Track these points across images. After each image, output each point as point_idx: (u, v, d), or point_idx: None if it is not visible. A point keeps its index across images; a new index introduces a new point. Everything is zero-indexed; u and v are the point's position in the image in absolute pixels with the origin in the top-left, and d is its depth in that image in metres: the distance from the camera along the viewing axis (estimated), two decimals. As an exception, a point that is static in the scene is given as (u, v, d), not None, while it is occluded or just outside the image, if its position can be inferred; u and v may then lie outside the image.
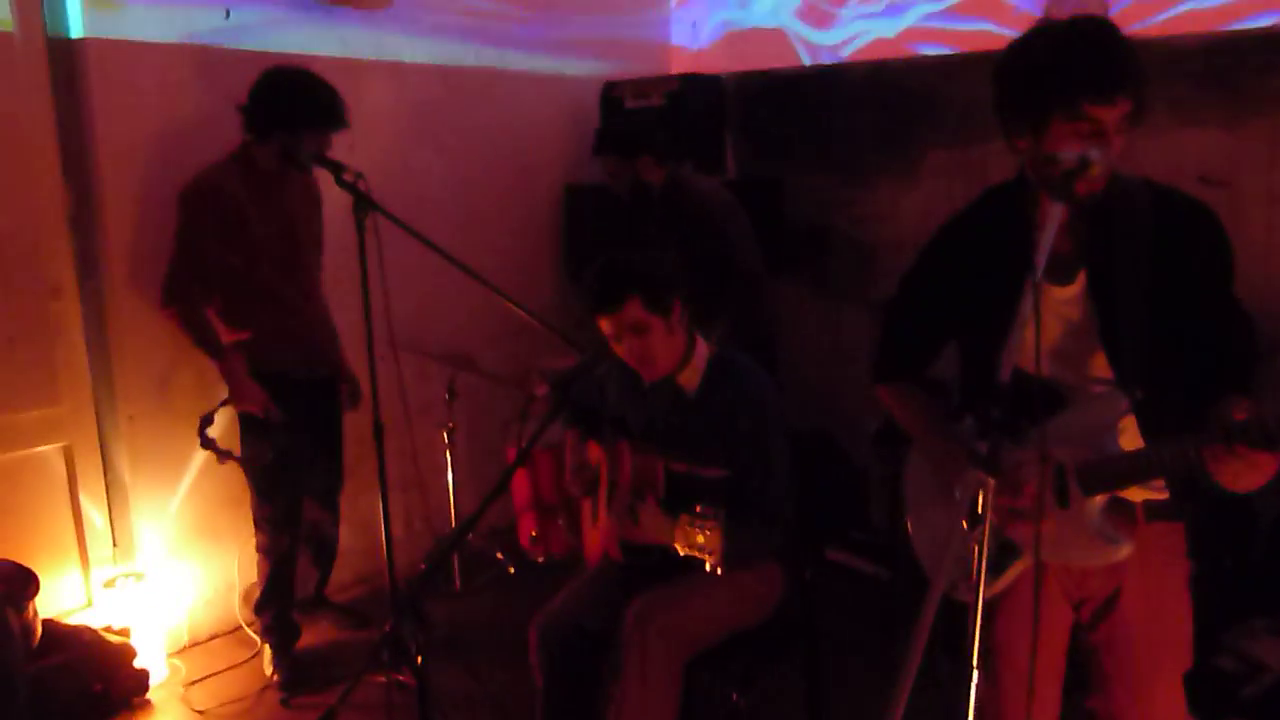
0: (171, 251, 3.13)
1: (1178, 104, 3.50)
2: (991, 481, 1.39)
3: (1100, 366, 1.77)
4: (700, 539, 1.99)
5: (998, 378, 1.43)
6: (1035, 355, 1.49)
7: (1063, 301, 1.79)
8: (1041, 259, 1.49)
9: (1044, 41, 1.67)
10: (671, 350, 2.41)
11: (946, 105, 4.17)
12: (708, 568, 1.99)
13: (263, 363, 3.21)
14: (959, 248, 1.92)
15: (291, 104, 3.08)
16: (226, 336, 3.20)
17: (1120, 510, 1.78)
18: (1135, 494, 1.77)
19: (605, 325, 2.37)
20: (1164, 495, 1.78)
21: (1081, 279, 1.77)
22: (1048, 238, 1.51)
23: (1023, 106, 1.68)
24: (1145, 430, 1.75)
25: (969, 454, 1.40)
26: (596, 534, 2.58)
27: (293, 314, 3.30)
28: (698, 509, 2.01)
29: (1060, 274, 1.78)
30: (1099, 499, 1.75)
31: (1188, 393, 1.70)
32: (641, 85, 4.50)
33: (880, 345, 2.08)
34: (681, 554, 2.03)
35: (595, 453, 2.61)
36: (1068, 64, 1.62)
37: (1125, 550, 1.75)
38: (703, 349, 2.47)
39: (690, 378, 2.45)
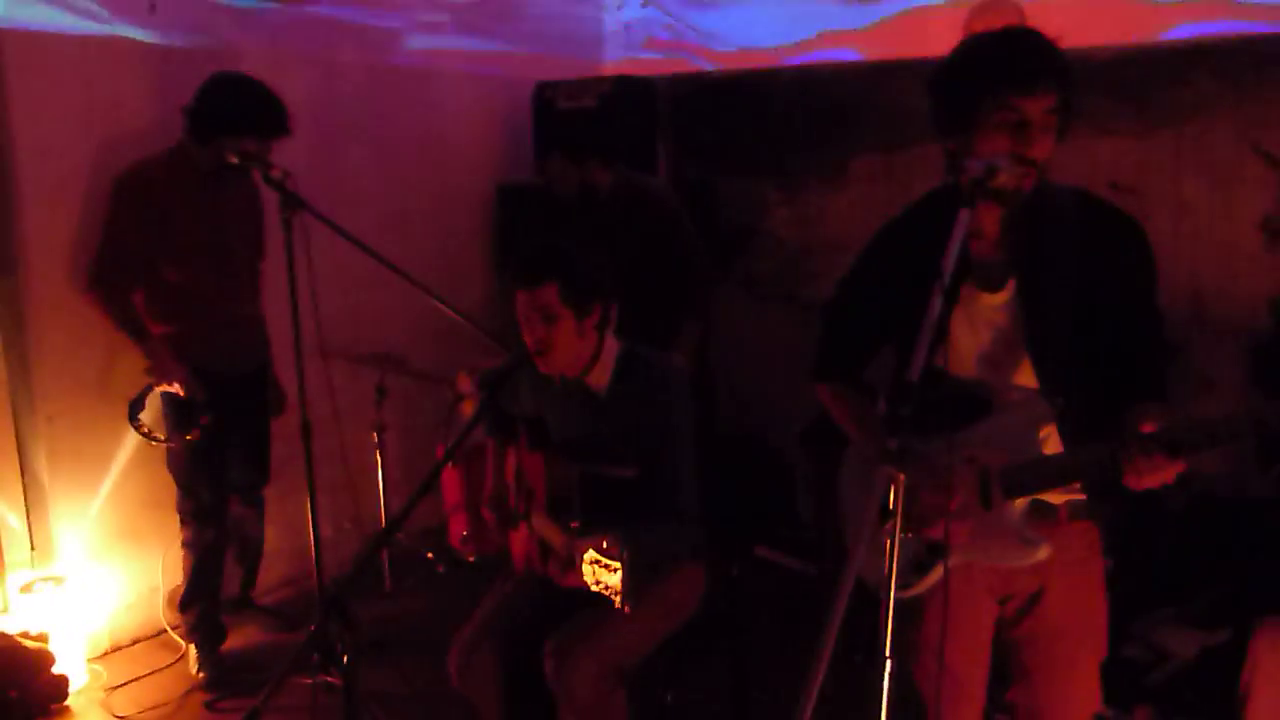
0: (98, 237, 3.10)
1: (1091, 114, 3.63)
2: (901, 477, 1.44)
3: (1026, 373, 1.83)
4: (607, 578, 2.02)
5: (907, 376, 1.48)
6: (942, 360, 1.55)
7: (992, 308, 1.84)
8: (949, 265, 1.55)
9: (973, 44, 1.76)
10: (576, 351, 2.39)
11: (872, 111, 4.27)
12: (616, 604, 2.01)
13: (186, 355, 3.18)
14: (894, 251, 1.96)
15: (239, 111, 3.06)
16: (153, 329, 3.17)
17: (1042, 512, 1.84)
18: (1056, 495, 1.84)
19: (518, 301, 2.37)
20: (1082, 496, 1.85)
21: (1011, 287, 1.83)
22: (955, 244, 1.57)
23: (952, 103, 1.74)
24: (1066, 436, 1.81)
25: (880, 451, 1.45)
26: (520, 540, 2.59)
27: (217, 314, 3.27)
28: (604, 545, 2.02)
29: (991, 281, 1.84)
30: (1020, 502, 1.81)
31: (1108, 399, 1.76)
32: (574, 87, 4.51)
33: (819, 345, 2.12)
34: (590, 589, 2.06)
35: (512, 465, 2.62)
36: (993, 57, 1.70)
37: (1043, 552, 1.81)
38: (611, 347, 2.46)
39: (599, 377, 2.45)
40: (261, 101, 3.09)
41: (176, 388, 3.15)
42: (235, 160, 3.02)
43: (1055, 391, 1.80)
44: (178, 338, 3.18)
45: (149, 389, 3.20)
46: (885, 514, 1.46)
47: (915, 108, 4.12)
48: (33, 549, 3.38)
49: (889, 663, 1.50)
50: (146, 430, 3.21)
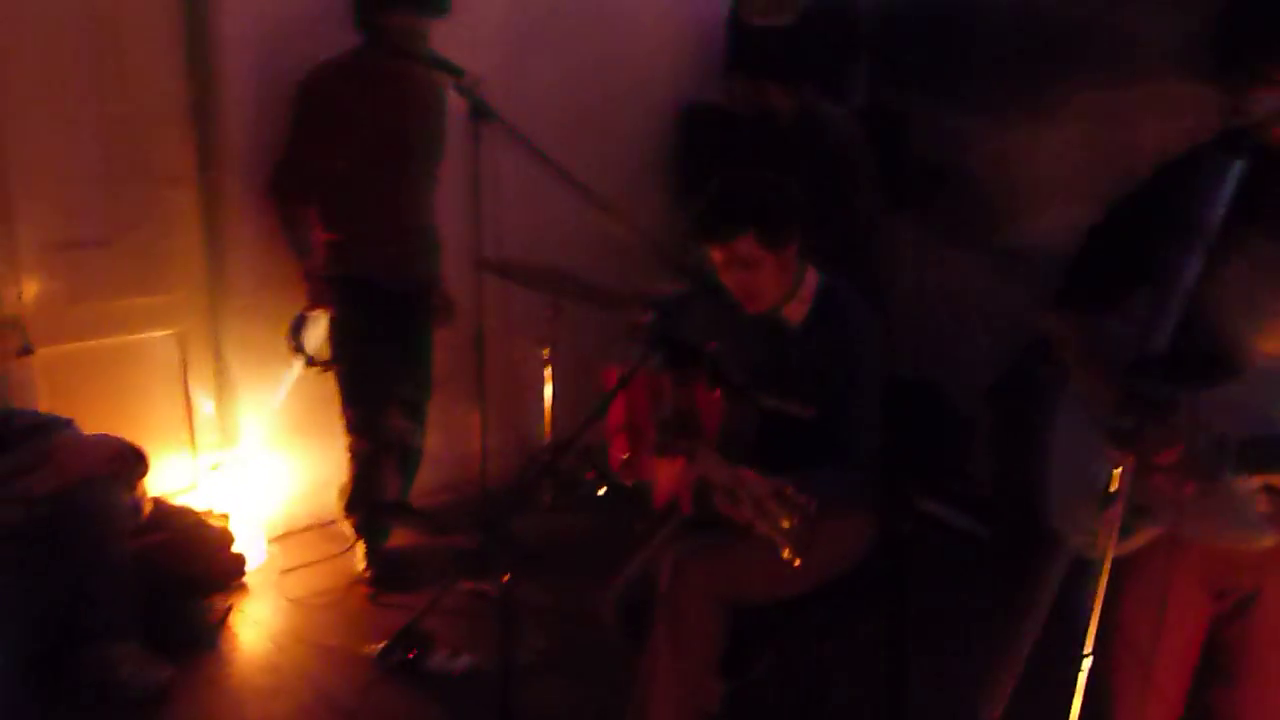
0: (284, 142, 3.15)
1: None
2: (1130, 461, 1.28)
3: None
4: (784, 524, 1.91)
5: (1150, 347, 1.30)
6: (1208, 315, 1.34)
7: (1275, 260, 1.62)
8: (1212, 219, 1.35)
9: None
10: (779, 285, 2.30)
11: (1098, 40, 3.87)
12: (785, 555, 1.90)
13: (352, 266, 3.21)
14: (1174, 186, 1.71)
15: None
16: (322, 236, 3.20)
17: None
18: None
19: (715, 255, 2.28)
20: None
21: None
22: (1222, 196, 1.36)
23: (1245, 49, 1.51)
24: None
25: (1108, 429, 1.28)
26: (670, 475, 2.52)
27: (392, 220, 3.28)
28: (787, 491, 1.92)
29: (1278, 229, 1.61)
30: (1256, 480, 1.61)
31: None
32: (771, 1, 4.29)
33: (1070, 268, 1.94)
34: (758, 531, 1.95)
35: (685, 399, 2.54)
36: None
37: (1266, 540, 1.62)
38: (812, 279, 2.35)
39: (796, 310, 2.34)
40: None
41: (332, 313, 3.18)
42: (423, 64, 2.98)
43: None
44: (349, 244, 3.21)
45: (304, 314, 3.25)
46: (1107, 497, 1.31)
47: (1148, 36, 3.73)
48: (221, 432, 3.56)
49: (1087, 660, 1.37)
50: (304, 354, 3.26)
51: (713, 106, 4.46)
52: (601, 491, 4.02)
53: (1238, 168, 1.38)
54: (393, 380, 3.43)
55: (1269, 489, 1.63)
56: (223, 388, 3.54)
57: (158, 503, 3.24)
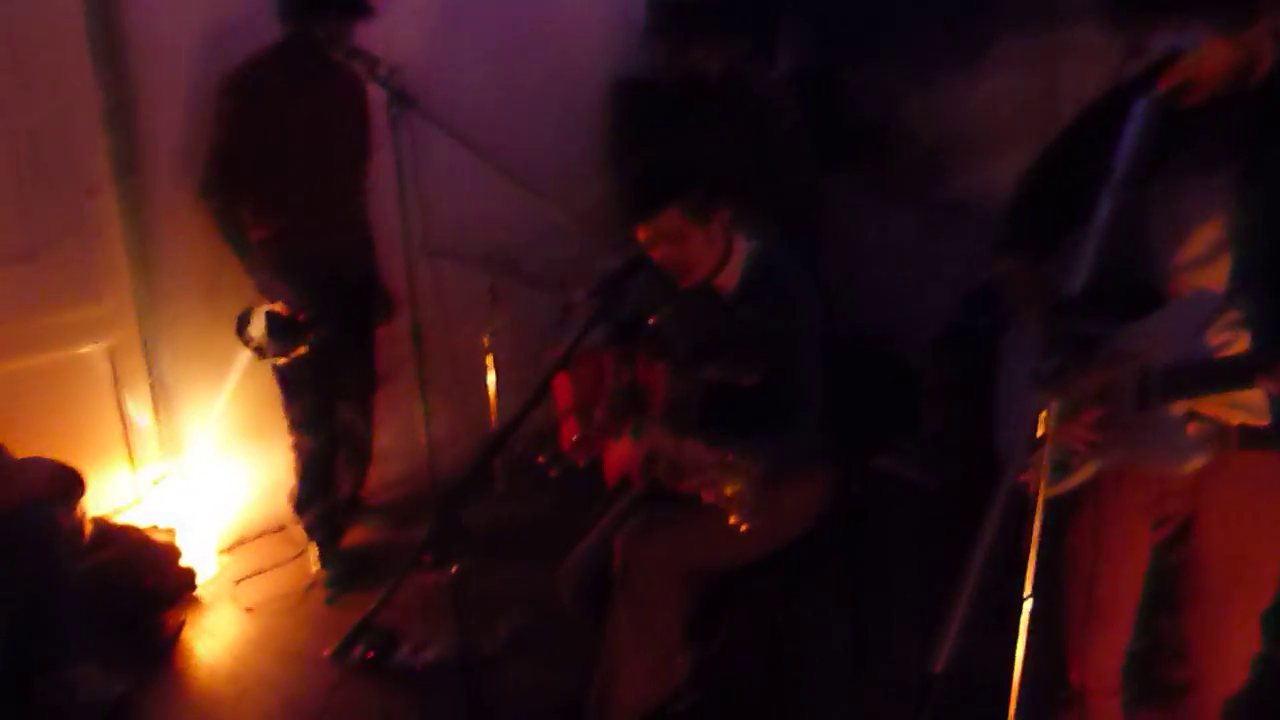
0: (208, 143, 3.08)
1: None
2: (1054, 405, 1.29)
3: (1219, 270, 1.65)
4: (729, 490, 1.92)
5: (1068, 290, 1.31)
6: (1129, 250, 1.36)
7: (1204, 193, 1.65)
8: (1121, 162, 1.36)
9: None
10: (709, 257, 2.29)
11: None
12: (732, 521, 1.91)
13: (293, 262, 3.16)
14: (1098, 129, 1.75)
15: None
16: (258, 233, 3.15)
17: (1212, 428, 1.67)
18: (1231, 416, 1.66)
19: (641, 232, 2.26)
20: (1263, 421, 1.65)
21: (1224, 174, 1.63)
22: (1128, 140, 1.37)
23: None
24: (1254, 345, 1.62)
25: (1032, 372, 1.29)
26: (620, 453, 2.51)
27: (327, 214, 3.24)
28: (729, 458, 1.92)
29: (1202, 168, 1.64)
30: (1181, 407, 1.64)
31: None
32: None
33: (1009, 213, 1.97)
34: (705, 500, 1.96)
35: (628, 375, 2.54)
36: None
37: (1196, 462, 1.65)
38: (741, 247, 2.34)
39: (728, 278, 2.34)
40: None
41: (280, 307, 3.14)
42: (339, 56, 2.94)
43: (1245, 292, 1.60)
44: (285, 242, 3.16)
45: (254, 306, 3.19)
46: (1033, 443, 1.32)
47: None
48: (161, 445, 3.49)
49: (1028, 601, 1.38)
50: (254, 345, 3.21)
51: (640, 79, 4.43)
52: (554, 474, 4.00)
53: (1142, 107, 1.39)
54: (336, 374, 3.39)
55: (1209, 425, 1.67)
56: (160, 399, 3.46)
57: (99, 522, 3.17)
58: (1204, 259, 1.66)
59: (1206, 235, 1.65)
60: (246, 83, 3.03)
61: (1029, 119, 3.82)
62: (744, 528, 1.92)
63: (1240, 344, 1.63)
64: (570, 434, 3.21)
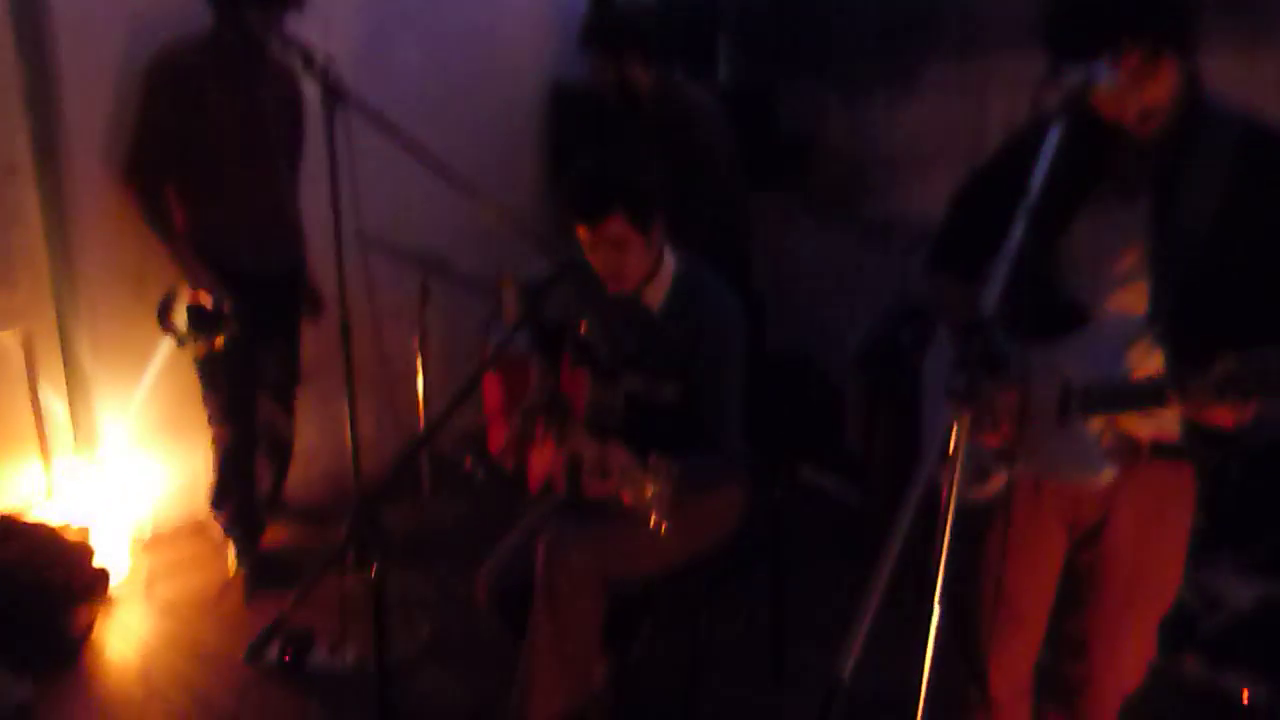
0: (132, 126, 3.01)
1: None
2: (966, 419, 1.33)
3: (1139, 292, 1.72)
4: (648, 493, 1.94)
5: (980, 310, 1.36)
6: (1054, 269, 1.42)
7: (1122, 220, 1.72)
8: (1035, 184, 1.41)
9: None
10: (642, 267, 2.31)
11: (949, 15, 4.00)
12: (651, 524, 1.93)
13: (215, 252, 3.11)
14: (1025, 152, 1.83)
15: None
16: (181, 220, 3.09)
17: (1125, 445, 1.75)
18: (1144, 430, 1.74)
19: (583, 234, 2.28)
20: (1173, 436, 1.74)
21: (1147, 202, 1.70)
22: (1043, 162, 1.43)
23: (1066, 40, 1.59)
24: (1170, 368, 1.70)
25: (945, 388, 1.34)
26: (543, 459, 2.52)
27: (252, 205, 3.19)
28: (650, 460, 1.94)
29: (1126, 190, 1.72)
30: (1098, 423, 1.72)
31: (1225, 337, 1.63)
32: (635, -21, 4.29)
33: (937, 234, 2.04)
34: (626, 503, 1.98)
35: (553, 380, 2.55)
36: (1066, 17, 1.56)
37: (1108, 475, 1.73)
38: (669, 264, 2.36)
39: (655, 293, 2.35)
40: None
41: (204, 296, 3.08)
42: (273, 45, 2.90)
43: (1161, 316, 1.68)
44: (208, 232, 3.11)
45: (176, 294, 3.12)
46: (944, 456, 1.36)
47: (995, 14, 3.88)
48: (75, 436, 3.40)
49: (937, 609, 1.42)
50: (176, 334, 3.14)
51: (580, 86, 4.45)
52: (480, 476, 4.00)
53: (1055, 133, 1.45)
54: (258, 367, 3.34)
55: (1120, 438, 1.74)
56: (76, 388, 3.37)
57: (5, 519, 3.07)
58: (1124, 282, 1.73)
59: (1127, 261, 1.72)
60: (171, 67, 2.98)
61: (957, 142, 3.93)
62: (664, 529, 1.94)
63: (1155, 363, 1.71)
64: (498, 437, 3.20)
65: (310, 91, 3.03)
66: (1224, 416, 1.57)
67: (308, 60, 2.73)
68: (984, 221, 1.90)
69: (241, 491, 3.37)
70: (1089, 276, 1.76)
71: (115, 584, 3.28)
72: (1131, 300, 1.73)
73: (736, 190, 3.68)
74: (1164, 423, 1.73)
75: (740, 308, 2.39)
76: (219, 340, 3.10)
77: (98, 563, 3.20)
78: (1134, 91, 1.57)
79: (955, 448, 1.34)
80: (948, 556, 1.39)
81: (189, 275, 3.08)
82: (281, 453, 3.60)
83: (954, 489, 1.36)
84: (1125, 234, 1.72)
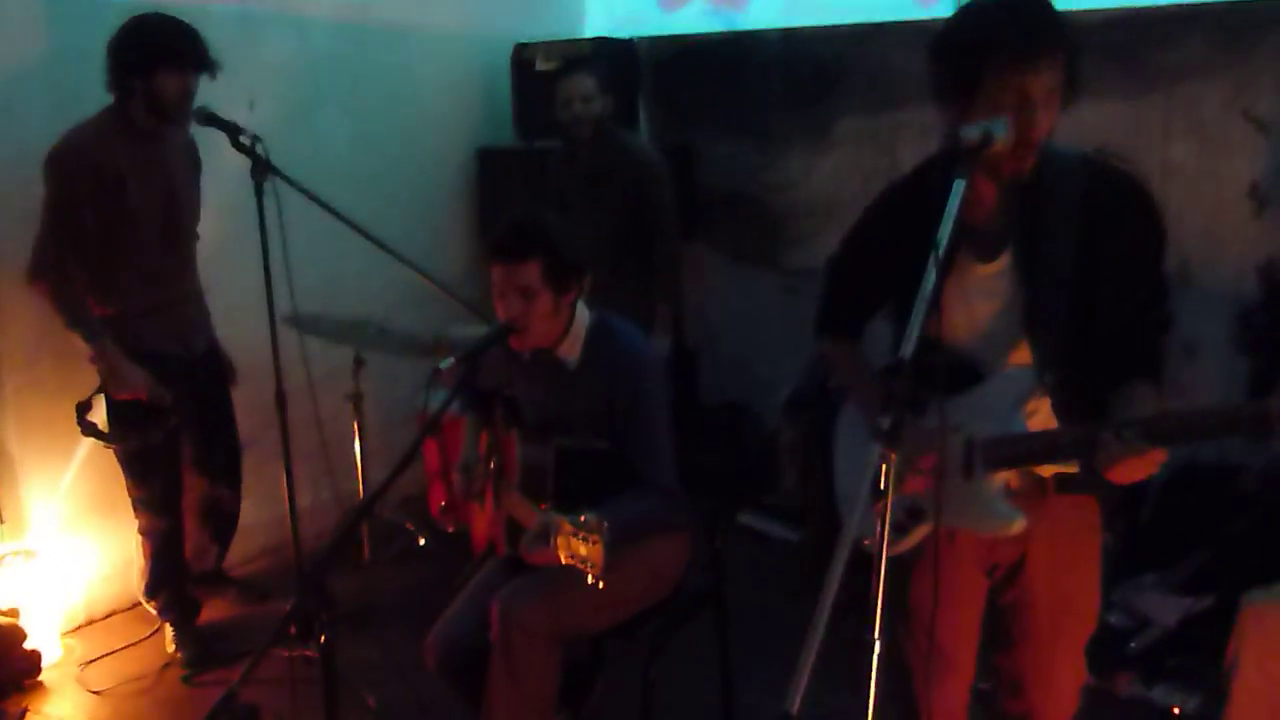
0: (40, 220, 2.91)
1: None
2: (893, 456, 1.40)
3: (1021, 345, 1.79)
4: (583, 550, 1.96)
5: (900, 353, 1.44)
6: (941, 330, 1.51)
7: (987, 278, 1.80)
8: (943, 236, 1.50)
9: (975, 12, 1.68)
10: (549, 327, 2.34)
11: (857, 73, 4.19)
12: (589, 580, 1.95)
13: (138, 341, 3.04)
14: (896, 213, 1.92)
15: (139, 44, 2.87)
16: (97, 311, 3.00)
17: (1030, 482, 1.82)
18: (1046, 467, 1.81)
19: (496, 274, 2.29)
20: (1073, 469, 1.81)
21: (1006, 257, 1.78)
22: (949, 214, 1.52)
23: (951, 75, 1.68)
24: (1058, 412, 1.78)
25: (872, 428, 1.41)
26: (483, 520, 2.54)
27: (171, 288, 3.15)
28: (581, 518, 1.97)
29: (986, 250, 1.79)
30: (1001, 474, 1.79)
31: (1102, 375, 1.73)
32: (553, 48, 4.42)
33: (821, 300, 2.11)
34: (563, 563, 2.00)
35: (484, 441, 2.57)
36: (995, 30, 1.62)
37: (1019, 525, 1.79)
38: (583, 318, 2.41)
39: (570, 349, 2.39)
40: (162, 30, 2.89)
41: (126, 393, 2.99)
42: (196, 122, 2.89)
43: (1047, 366, 1.76)
44: (131, 319, 3.03)
45: (99, 392, 3.04)
46: (877, 491, 1.43)
47: (901, 70, 4.09)
48: (2, 522, 3.31)
49: (877, 644, 1.47)
50: (98, 432, 3.04)
51: (506, 149, 4.54)
52: (422, 541, 3.98)
53: (960, 186, 1.54)
54: (200, 449, 3.29)
55: (1024, 474, 1.82)
56: (3, 473, 3.30)
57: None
58: (1005, 337, 1.80)
59: (1001, 318, 1.80)
60: (78, 156, 2.88)
61: (873, 189, 4.08)
62: (601, 585, 1.97)
63: (1044, 413, 1.79)
64: (439, 499, 3.22)
65: (232, 163, 3.03)
66: (1135, 470, 1.58)
67: (235, 136, 2.75)
68: (861, 284, 2.01)
69: (175, 577, 3.30)
70: (969, 336, 1.83)
71: (46, 669, 3.18)
72: (1019, 354, 1.80)
73: (678, 233, 3.80)
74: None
75: (653, 350, 2.45)
76: (150, 435, 3.04)
77: (29, 644, 3.11)
78: (1029, 127, 1.64)
79: (885, 486, 1.41)
80: (884, 592, 1.46)
81: (116, 380, 2.99)
82: (226, 530, 3.54)
83: (886, 526, 1.43)
84: (990, 293, 1.80)
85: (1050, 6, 1.66)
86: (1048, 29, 1.63)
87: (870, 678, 1.47)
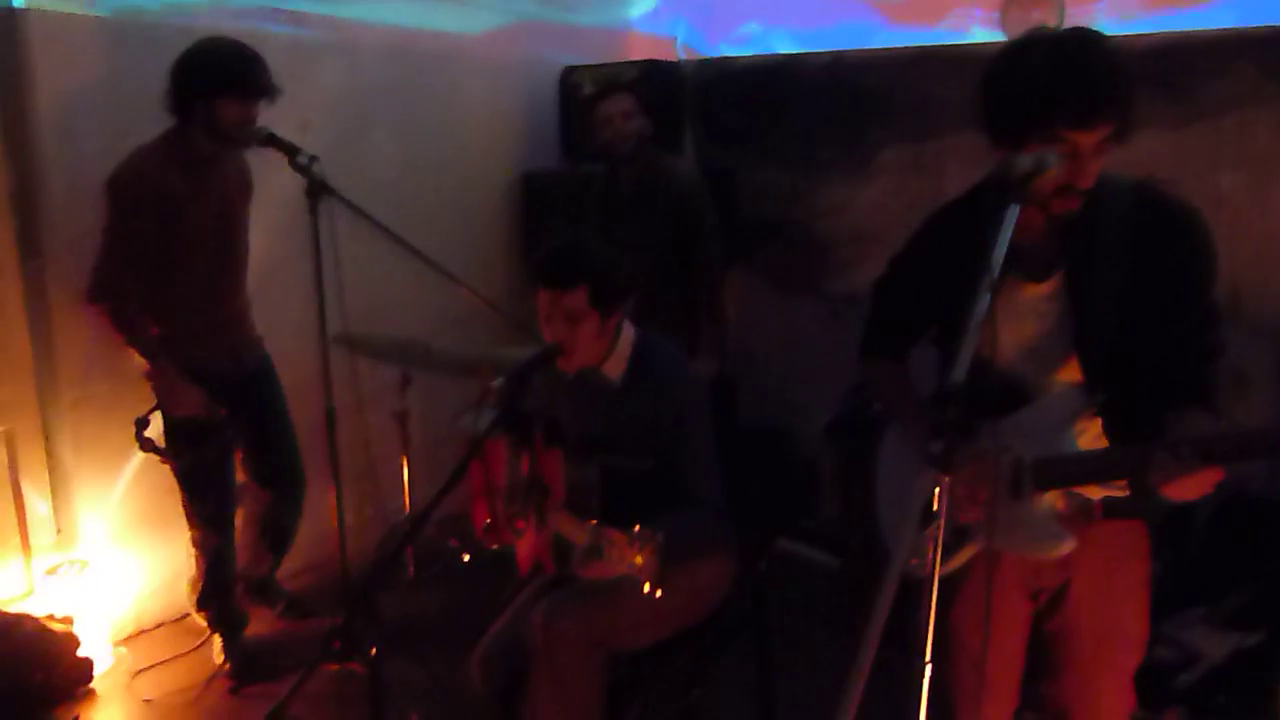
0: (100, 243, 2.97)
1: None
2: (946, 480, 1.41)
3: (1071, 365, 1.80)
4: (638, 559, 1.96)
5: (953, 378, 1.44)
6: (990, 350, 1.52)
7: (1037, 299, 1.81)
8: (998, 260, 1.51)
9: (1028, 61, 1.64)
10: (595, 347, 2.37)
11: (902, 101, 4.20)
12: (645, 589, 1.96)
13: (192, 359, 3.09)
14: (944, 236, 1.93)
15: (204, 69, 2.91)
16: (153, 331, 3.06)
17: (1078, 507, 1.81)
18: (1094, 491, 1.80)
19: (542, 299, 2.33)
20: (1123, 493, 1.81)
21: (1057, 278, 1.79)
22: (1003, 239, 1.53)
23: (1004, 123, 1.68)
24: (1109, 433, 1.78)
25: (924, 453, 1.42)
26: (527, 541, 2.56)
27: (223, 307, 3.22)
28: (636, 529, 1.98)
29: (1037, 271, 1.80)
30: (1050, 495, 1.78)
31: (1153, 399, 1.72)
32: (600, 72, 4.47)
33: (866, 323, 2.12)
34: (618, 573, 2.01)
35: (529, 463, 2.59)
36: (1053, 88, 1.60)
37: (1066, 546, 1.79)
38: (628, 336, 2.43)
39: (614, 367, 2.42)
40: (224, 57, 2.92)
41: (183, 410, 3.05)
42: (255, 143, 2.95)
43: (1097, 386, 1.76)
44: (184, 341, 3.09)
45: (155, 409, 3.09)
46: (928, 515, 1.43)
47: (946, 97, 4.09)
48: (58, 532, 3.39)
49: (928, 668, 1.47)
50: (156, 447, 3.10)
51: (553, 173, 4.60)
52: (466, 559, 4.00)
53: (1014, 211, 1.55)
54: (257, 466, 3.35)
55: (1072, 498, 1.82)
56: (58, 485, 3.37)
57: (-9, 614, 3.05)
58: (1056, 358, 1.81)
59: (1051, 339, 1.80)
60: (135, 180, 2.93)
61: (917, 216, 4.09)
62: (657, 594, 1.97)
63: (1093, 433, 1.79)
64: (483, 518, 3.23)
65: (285, 184, 3.09)
66: (1201, 486, 1.59)
67: (294, 157, 2.81)
68: (907, 306, 2.01)
69: (224, 591, 3.36)
70: (1016, 355, 1.83)
71: (98, 678, 3.24)
72: (1067, 373, 1.81)
73: (719, 257, 3.81)
74: (1113, 484, 1.80)
75: (691, 370, 2.48)
76: (207, 452, 3.10)
77: (82, 653, 3.17)
78: (1079, 174, 1.66)
79: (938, 512, 1.41)
80: (936, 616, 1.46)
81: (172, 397, 3.04)
82: (283, 542, 3.58)
83: (939, 551, 1.43)
84: (1040, 313, 1.81)
85: (1112, 57, 1.63)
86: (1103, 86, 1.60)
87: (920, 700, 1.47)
